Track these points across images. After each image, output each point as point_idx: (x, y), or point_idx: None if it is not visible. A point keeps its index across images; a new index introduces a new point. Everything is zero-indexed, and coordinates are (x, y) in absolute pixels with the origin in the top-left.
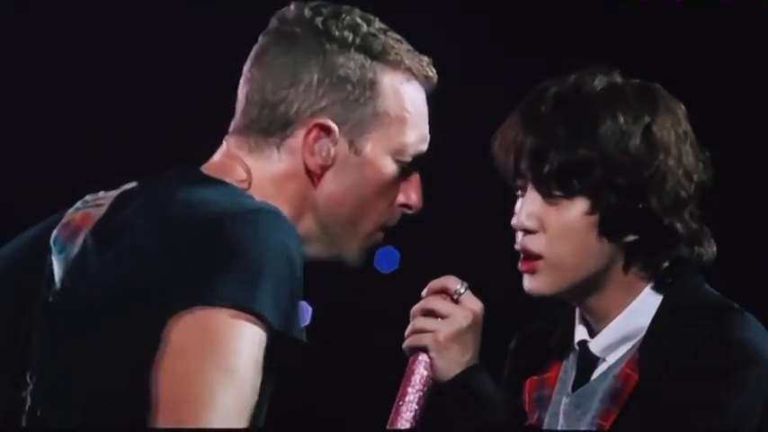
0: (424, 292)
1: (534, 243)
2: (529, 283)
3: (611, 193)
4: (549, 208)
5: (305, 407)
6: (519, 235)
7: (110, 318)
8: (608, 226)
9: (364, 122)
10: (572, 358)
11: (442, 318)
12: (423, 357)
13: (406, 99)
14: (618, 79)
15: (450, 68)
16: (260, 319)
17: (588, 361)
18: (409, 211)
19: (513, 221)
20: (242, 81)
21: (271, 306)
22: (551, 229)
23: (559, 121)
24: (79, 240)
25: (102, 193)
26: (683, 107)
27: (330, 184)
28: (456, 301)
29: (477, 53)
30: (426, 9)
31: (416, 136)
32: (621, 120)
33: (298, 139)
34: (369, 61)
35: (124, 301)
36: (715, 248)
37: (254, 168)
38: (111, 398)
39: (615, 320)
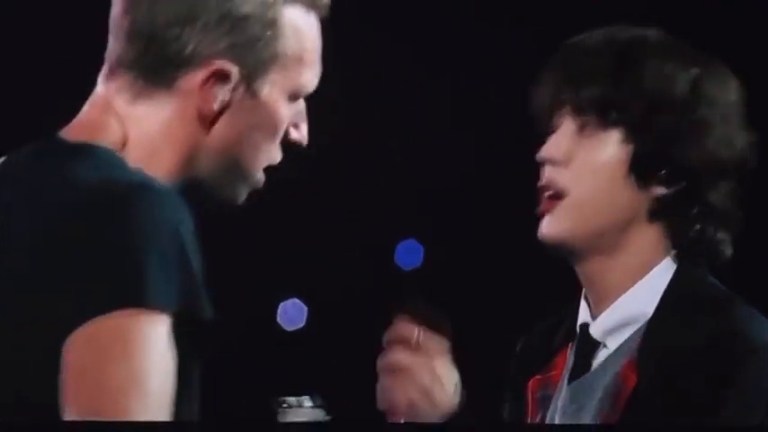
0: (384, 342)
1: (559, 175)
2: (546, 225)
3: (647, 133)
4: (581, 139)
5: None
6: (544, 169)
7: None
8: (639, 168)
9: (263, 64)
10: (573, 347)
11: (404, 371)
12: (400, 420)
13: (304, 37)
14: (673, 38)
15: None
16: (157, 309)
17: (588, 346)
18: (295, 147)
19: (540, 153)
20: (119, 10)
21: (164, 293)
22: (578, 161)
23: (607, 55)
24: None
25: None
26: (738, 83)
27: (223, 129)
28: (416, 349)
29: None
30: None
31: (312, 75)
32: (671, 65)
33: (192, 81)
34: None
35: (10, 330)
36: (730, 252)
37: (137, 116)
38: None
39: (619, 300)
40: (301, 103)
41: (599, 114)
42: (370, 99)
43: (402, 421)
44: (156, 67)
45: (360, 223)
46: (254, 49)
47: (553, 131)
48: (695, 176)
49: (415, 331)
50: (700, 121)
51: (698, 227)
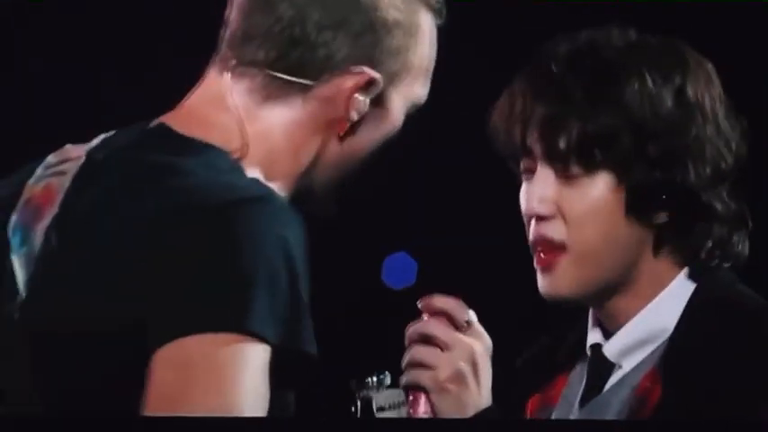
0: (420, 304)
1: (553, 230)
2: (547, 283)
3: (640, 164)
4: (566, 188)
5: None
6: (532, 224)
7: (82, 348)
8: (637, 204)
9: (399, 72)
10: (580, 369)
11: (442, 349)
12: (423, 399)
13: (433, 47)
14: (635, 36)
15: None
16: (257, 338)
17: (601, 368)
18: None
19: (523, 208)
20: (255, 7)
21: (269, 321)
22: (571, 212)
23: (576, 83)
24: (41, 228)
25: (68, 149)
26: (711, 65)
27: (349, 140)
28: (460, 331)
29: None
30: None
31: (428, 86)
32: (650, 80)
33: (334, 88)
34: (415, 2)
35: (96, 329)
36: (747, 249)
37: (263, 119)
38: None
39: (635, 318)
40: None
41: (580, 159)
42: None
43: (422, 402)
44: (299, 70)
45: (344, 235)
46: (393, 57)
47: (525, 169)
48: (699, 194)
49: (466, 308)
50: (696, 139)
51: (710, 239)
